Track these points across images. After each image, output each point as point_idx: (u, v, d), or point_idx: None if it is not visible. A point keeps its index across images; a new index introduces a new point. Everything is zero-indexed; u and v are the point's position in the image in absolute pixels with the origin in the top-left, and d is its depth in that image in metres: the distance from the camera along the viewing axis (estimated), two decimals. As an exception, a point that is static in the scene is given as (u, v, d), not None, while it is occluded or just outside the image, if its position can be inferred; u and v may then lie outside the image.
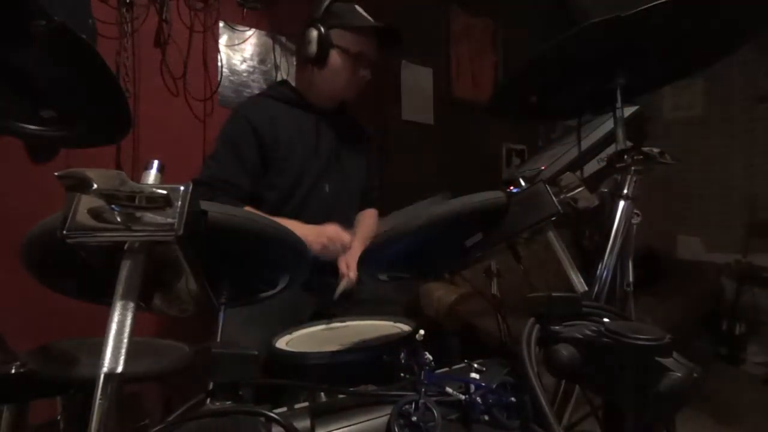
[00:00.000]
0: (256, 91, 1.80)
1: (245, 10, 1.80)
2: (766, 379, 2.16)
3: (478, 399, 0.58)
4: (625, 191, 0.74)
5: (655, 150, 0.72)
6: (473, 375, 0.63)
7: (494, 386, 0.59)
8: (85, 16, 1.39)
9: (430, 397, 0.57)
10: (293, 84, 1.35)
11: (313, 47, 1.17)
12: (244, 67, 1.82)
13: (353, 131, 1.40)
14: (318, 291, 1.23)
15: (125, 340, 0.38)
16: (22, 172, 1.36)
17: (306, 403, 0.58)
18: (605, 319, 0.54)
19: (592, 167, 0.98)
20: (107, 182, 0.37)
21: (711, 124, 2.89)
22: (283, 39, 1.89)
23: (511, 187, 0.76)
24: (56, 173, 0.36)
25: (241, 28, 1.80)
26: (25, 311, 1.23)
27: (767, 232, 2.55)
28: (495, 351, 0.72)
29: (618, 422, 0.61)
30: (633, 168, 0.74)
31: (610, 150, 0.80)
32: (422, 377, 0.59)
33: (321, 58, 1.19)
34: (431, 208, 0.66)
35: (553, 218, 0.69)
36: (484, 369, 0.65)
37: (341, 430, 0.54)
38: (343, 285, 1.15)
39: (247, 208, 1.14)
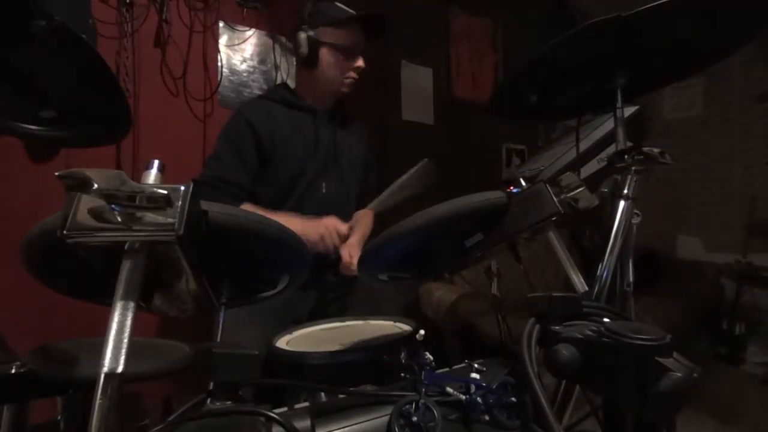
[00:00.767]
0: (257, 91, 1.81)
1: (245, 10, 1.80)
2: (766, 379, 2.16)
3: (479, 399, 0.58)
4: (625, 191, 0.74)
5: (655, 150, 0.72)
6: (473, 375, 0.63)
7: (494, 386, 0.59)
8: (85, 16, 1.39)
9: (431, 397, 0.57)
10: (292, 86, 1.37)
11: (304, 49, 1.22)
12: (244, 67, 1.82)
13: (351, 131, 1.41)
14: (317, 290, 1.24)
15: (125, 340, 0.37)
16: (22, 172, 1.36)
17: (306, 403, 0.58)
18: (605, 319, 0.54)
19: (592, 167, 0.98)
20: (107, 182, 0.37)
21: (711, 124, 2.89)
22: (283, 39, 1.89)
23: (511, 187, 0.76)
24: (56, 173, 0.36)
25: (241, 28, 1.80)
26: (25, 311, 1.23)
27: (767, 232, 2.55)
28: (495, 351, 0.72)
29: (618, 422, 0.61)
30: (633, 168, 0.74)
31: (610, 150, 0.80)
32: (422, 377, 0.59)
33: (312, 58, 1.22)
34: (431, 208, 0.66)
35: (554, 218, 0.69)
36: (485, 369, 0.65)
37: (341, 430, 0.54)
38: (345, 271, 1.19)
39: (246, 205, 1.14)
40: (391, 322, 0.99)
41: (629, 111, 0.88)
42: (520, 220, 0.71)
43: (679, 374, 0.43)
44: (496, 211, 0.72)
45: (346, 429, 0.54)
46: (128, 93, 1.51)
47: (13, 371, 0.62)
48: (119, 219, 0.38)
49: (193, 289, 0.50)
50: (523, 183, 0.76)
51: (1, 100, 0.62)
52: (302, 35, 1.21)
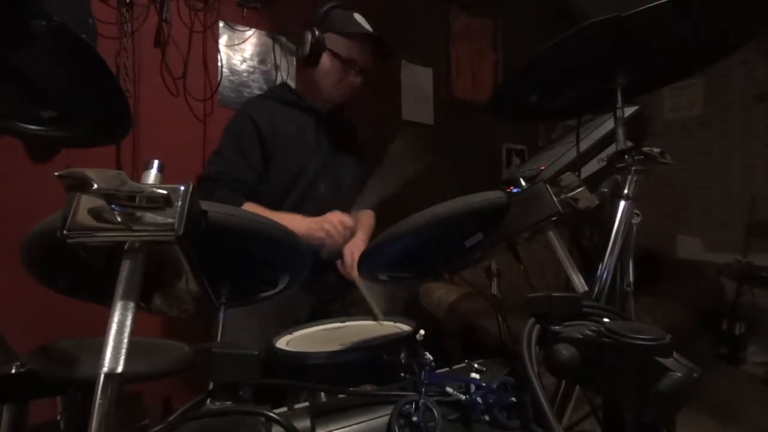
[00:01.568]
0: (257, 91, 1.81)
1: (245, 10, 1.80)
2: (766, 379, 2.16)
3: (479, 399, 0.58)
4: (625, 191, 0.74)
5: (656, 150, 0.72)
6: (473, 375, 0.63)
7: (494, 386, 0.59)
8: (85, 16, 1.39)
9: (431, 397, 0.57)
10: (292, 86, 1.39)
11: (306, 48, 1.23)
12: (244, 67, 1.82)
13: (350, 133, 1.44)
14: (316, 291, 1.24)
15: (125, 340, 0.37)
16: (22, 172, 1.36)
17: (306, 403, 0.58)
18: (605, 319, 0.54)
19: (592, 167, 0.98)
20: (107, 182, 0.37)
21: (711, 124, 2.89)
22: (283, 39, 1.89)
23: (511, 187, 0.76)
24: (56, 173, 0.36)
25: (241, 28, 1.80)
26: (25, 311, 1.23)
27: (767, 232, 2.55)
28: (495, 351, 0.72)
29: (618, 422, 0.61)
30: (633, 168, 0.74)
31: (610, 150, 0.80)
32: (422, 377, 0.59)
33: (312, 59, 1.24)
34: (431, 208, 0.66)
35: (554, 218, 0.69)
36: (485, 369, 0.65)
37: (341, 430, 0.54)
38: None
39: (248, 204, 1.14)
40: (391, 322, 0.99)
41: (629, 111, 0.88)
42: (520, 220, 0.71)
43: (679, 374, 0.42)
44: (496, 211, 0.72)
45: (346, 429, 0.54)
46: (128, 93, 1.51)
47: (13, 371, 0.62)
48: (119, 219, 0.38)
49: (193, 289, 0.50)
50: (523, 183, 0.76)
51: (1, 100, 0.62)
52: (308, 34, 1.23)
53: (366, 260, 0.80)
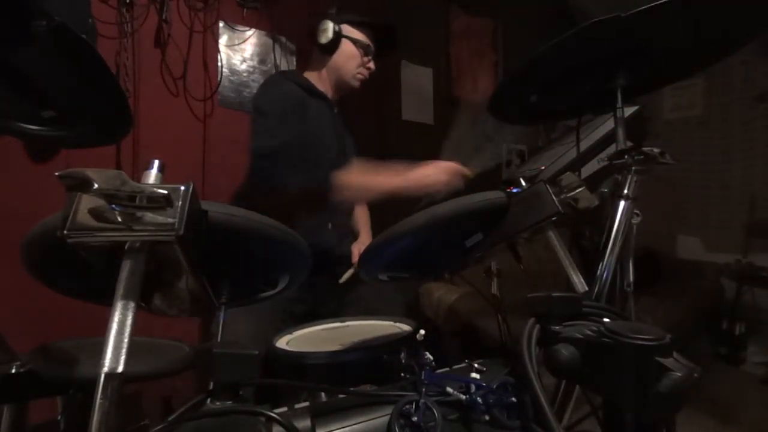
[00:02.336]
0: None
1: (245, 10, 1.80)
2: (766, 379, 2.16)
3: (479, 399, 0.58)
4: (625, 191, 0.74)
5: (656, 150, 0.72)
6: (473, 375, 0.63)
7: (495, 386, 0.59)
8: (85, 16, 1.39)
9: (431, 397, 0.57)
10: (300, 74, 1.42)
11: (329, 34, 1.29)
12: (244, 67, 1.82)
13: (350, 123, 1.48)
14: (316, 287, 1.24)
15: (126, 340, 0.38)
16: (22, 172, 1.36)
17: (306, 403, 0.58)
18: (605, 319, 0.54)
19: (592, 167, 0.98)
20: (108, 182, 0.37)
21: (711, 124, 2.89)
22: (283, 39, 1.89)
23: (511, 187, 0.76)
24: (57, 173, 0.36)
25: (241, 28, 1.80)
26: (25, 311, 1.23)
27: (767, 232, 2.55)
28: (495, 351, 0.72)
29: (618, 422, 0.61)
30: (633, 168, 0.74)
31: (610, 150, 0.80)
32: (423, 377, 0.59)
33: (332, 46, 1.31)
34: (431, 208, 0.66)
35: (554, 218, 0.69)
36: (485, 369, 0.65)
37: (341, 430, 0.54)
38: (350, 272, 1.22)
39: (355, 168, 1.15)
40: (391, 322, 0.99)
41: (629, 111, 0.88)
42: (520, 220, 0.71)
43: (679, 374, 0.42)
44: (496, 211, 0.72)
45: (346, 429, 0.54)
46: (128, 93, 1.51)
47: (13, 371, 0.62)
48: (119, 219, 0.38)
49: (193, 289, 0.50)
50: (523, 183, 0.76)
51: (1, 100, 0.62)
52: (328, 22, 1.29)
53: (366, 260, 0.80)
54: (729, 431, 1.69)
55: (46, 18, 0.48)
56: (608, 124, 0.99)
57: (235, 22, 1.79)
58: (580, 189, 0.71)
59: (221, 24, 1.75)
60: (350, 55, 1.33)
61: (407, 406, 0.55)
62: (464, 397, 0.58)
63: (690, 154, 2.92)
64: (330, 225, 1.30)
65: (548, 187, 0.70)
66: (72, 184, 0.37)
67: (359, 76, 1.37)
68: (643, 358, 0.44)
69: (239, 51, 1.81)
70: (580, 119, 0.94)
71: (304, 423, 0.52)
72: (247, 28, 1.81)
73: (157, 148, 1.56)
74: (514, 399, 0.59)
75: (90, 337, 0.87)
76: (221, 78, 1.74)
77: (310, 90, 1.33)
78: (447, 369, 0.67)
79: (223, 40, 1.76)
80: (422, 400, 0.55)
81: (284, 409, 0.56)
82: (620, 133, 0.78)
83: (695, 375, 0.43)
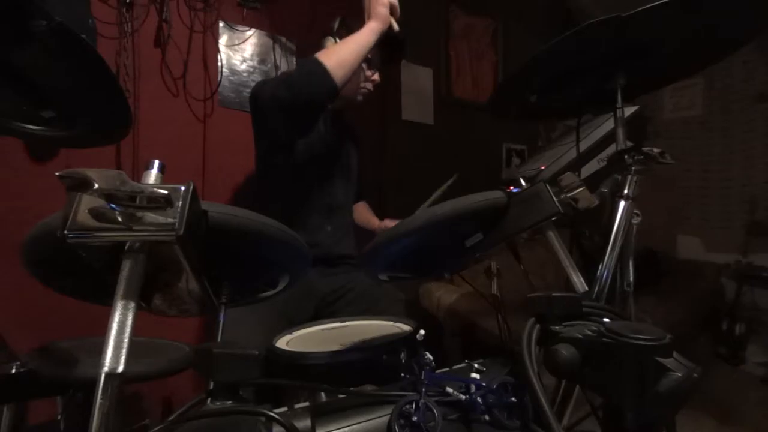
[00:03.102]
0: (257, 92, 1.81)
1: (245, 10, 1.80)
2: (766, 379, 2.16)
3: (479, 399, 0.58)
4: (625, 191, 0.74)
5: (656, 150, 0.72)
6: (474, 375, 0.63)
7: (495, 386, 0.59)
8: (85, 16, 1.39)
9: (431, 397, 0.57)
10: None
11: None
12: (244, 67, 1.82)
13: (352, 130, 1.49)
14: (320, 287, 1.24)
15: (126, 340, 0.38)
16: (22, 172, 1.36)
17: (306, 403, 0.58)
18: (605, 319, 0.54)
19: (592, 167, 0.98)
20: (108, 182, 0.37)
21: (711, 124, 2.89)
22: (283, 39, 1.89)
23: (511, 187, 0.76)
24: (57, 173, 0.36)
25: (241, 28, 1.80)
26: (25, 311, 1.23)
27: (767, 232, 2.55)
28: (495, 351, 0.72)
29: (618, 422, 0.61)
30: (633, 168, 0.74)
31: (610, 150, 0.80)
32: (422, 377, 0.59)
33: None
34: (431, 208, 0.66)
35: (554, 218, 0.69)
36: (485, 369, 0.65)
37: (341, 430, 0.54)
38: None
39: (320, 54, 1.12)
40: (391, 322, 0.99)
41: (629, 111, 0.88)
42: (520, 220, 0.71)
43: (679, 374, 0.43)
44: (496, 211, 0.72)
45: (346, 429, 0.54)
46: (128, 93, 1.51)
47: (13, 371, 0.62)
48: (119, 219, 0.38)
49: (194, 289, 0.50)
50: (523, 183, 0.76)
51: (1, 100, 0.62)
52: (331, 39, 1.29)
53: (366, 260, 0.80)
54: (729, 431, 1.69)
55: (46, 18, 0.48)
56: (608, 124, 0.99)
57: (235, 22, 1.79)
58: (580, 189, 0.71)
59: (221, 24, 1.75)
60: (356, 73, 1.29)
61: (407, 406, 0.55)
62: (464, 397, 0.58)
63: (690, 154, 2.92)
64: (329, 227, 1.30)
65: (548, 187, 0.70)
66: (72, 184, 0.37)
67: (363, 90, 1.35)
68: (643, 358, 0.44)
69: (239, 51, 1.81)
70: (580, 119, 0.94)
71: (304, 423, 0.52)
72: (247, 28, 1.81)
73: (157, 148, 1.56)
74: (514, 399, 0.59)
75: (90, 337, 0.87)
76: (221, 78, 1.74)
77: None
78: (447, 369, 0.67)
79: (223, 40, 1.76)
80: (422, 400, 0.55)
81: (284, 409, 0.56)
82: (620, 133, 0.78)
83: (695, 375, 0.43)
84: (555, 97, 0.85)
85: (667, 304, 2.16)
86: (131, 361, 0.37)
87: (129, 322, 0.38)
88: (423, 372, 0.60)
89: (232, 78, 1.79)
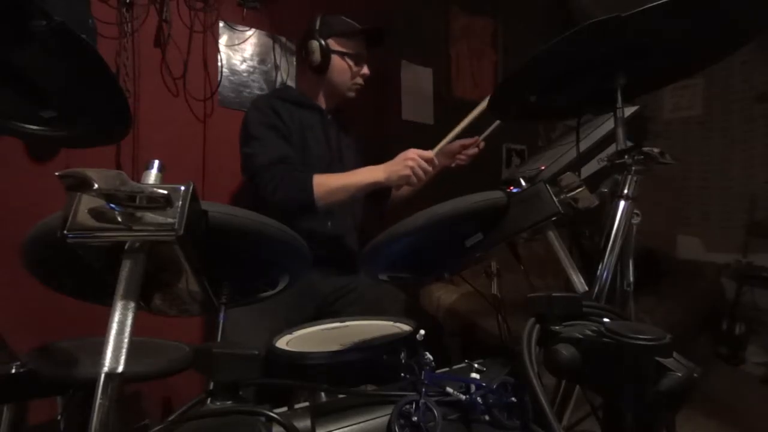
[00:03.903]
0: (256, 91, 1.81)
1: (245, 10, 1.80)
2: (766, 379, 2.16)
3: (479, 399, 0.58)
4: (625, 191, 0.74)
5: (656, 150, 0.72)
6: (474, 375, 0.63)
7: (495, 386, 0.59)
8: (85, 15, 1.39)
9: (431, 397, 0.57)
10: (294, 87, 1.42)
11: (317, 56, 1.30)
12: (244, 67, 1.82)
13: (351, 131, 1.49)
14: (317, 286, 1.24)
15: (126, 340, 0.38)
16: (22, 172, 1.36)
17: (306, 403, 0.58)
18: (605, 319, 0.54)
19: (592, 167, 0.98)
20: (108, 182, 0.37)
21: (711, 124, 2.89)
22: (283, 39, 1.89)
23: (511, 187, 0.76)
24: (57, 173, 0.36)
25: (241, 28, 1.80)
26: (25, 311, 1.23)
27: (767, 232, 2.55)
28: (495, 351, 0.72)
29: (618, 422, 0.61)
30: (633, 168, 0.74)
31: (610, 150, 0.80)
32: (422, 377, 0.59)
33: (324, 65, 1.31)
34: (431, 208, 0.66)
35: (554, 218, 0.69)
36: (485, 369, 0.65)
37: (341, 430, 0.54)
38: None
39: (317, 176, 1.17)
40: (391, 322, 0.99)
41: (629, 111, 0.88)
42: (520, 220, 0.71)
43: (679, 374, 0.43)
44: (496, 211, 0.72)
45: (346, 429, 0.54)
46: (128, 93, 1.51)
47: (13, 371, 0.62)
48: (119, 219, 0.38)
49: (194, 289, 0.50)
50: (523, 183, 0.76)
51: (1, 100, 0.62)
52: (314, 43, 1.30)
53: (366, 260, 0.80)
54: (729, 431, 1.69)
55: (46, 18, 0.48)
56: (608, 124, 0.99)
57: (235, 22, 1.79)
58: (580, 189, 0.71)
59: (221, 24, 1.75)
60: (342, 70, 1.34)
61: (407, 406, 0.55)
62: (464, 397, 0.58)
63: (690, 154, 2.92)
64: (329, 224, 1.30)
65: (548, 187, 0.70)
66: (72, 184, 0.37)
67: (354, 86, 1.38)
68: (643, 358, 0.44)
69: (239, 51, 1.81)
70: (580, 119, 0.94)
71: (304, 423, 0.52)
72: (247, 28, 1.81)
73: (157, 148, 1.56)
74: (514, 399, 0.59)
75: (90, 337, 0.87)
76: (221, 78, 1.74)
77: (301, 103, 1.35)
78: (447, 369, 0.67)
79: (223, 40, 1.76)
80: (422, 400, 0.55)
81: (284, 409, 0.56)
82: (620, 133, 0.78)
83: (695, 375, 0.43)
84: (555, 97, 0.85)
85: (667, 304, 2.17)
86: (131, 361, 0.37)
87: (129, 322, 0.38)
88: (423, 372, 0.60)
89: (232, 78, 1.79)
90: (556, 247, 0.72)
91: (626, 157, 0.74)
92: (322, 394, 0.67)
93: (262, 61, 1.86)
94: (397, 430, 0.53)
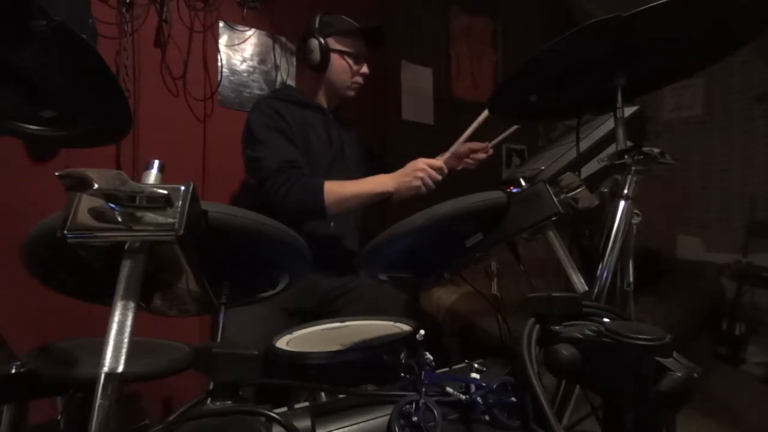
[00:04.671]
0: (257, 92, 1.81)
1: (245, 10, 1.80)
2: (766, 379, 2.16)
3: (479, 399, 0.58)
4: (625, 191, 0.74)
5: (655, 150, 0.72)
6: (473, 375, 0.63)
7: (495, 386, 0.59)
8: (85, 16, 1.39)
9: (431, 397, 0.57)
10: (294, 87, 1.42)
11: (316, 55, 1.30)
12: (244, 67, 1.82)
13: (353, 130, 1.49)
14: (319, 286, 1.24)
15: (126, 340, 0.38)
16: (22, 172, 1.36)
17: (306, 403, 0.58)
18: (605, 319, 0.54)
19: (592, 167, 0.98)
20: (108, 182, 0.37)
21: (711, 124, 2.89)
22: (283, 39, 1.89)
23: (511, 187, 0.76)
24: (57, 173, 0.36)
25: (241, 28, 1.80)
26: (25, 311, 1.23)
27: (767, 232, 2.55)
28: (495, 351, 0.72)
29: (618, 422, 0.61)
30: (633, 168, 0.74)
31: (610, 150, 0.80)
32: (422, 377, 0.59)
33: (323, 64, 1.31)
34: (431, 208, 0.66)
35: (554, 218, 0.69)
36: (485, 369, 0.65)
37: (341, 430, 0.54)
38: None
39: (327, 183, 1.17)
40: (391, 322, 0.99)
41: (629, 111, 0.88)
42: (520, 220, 0.71)
43: (679, 374, 0.42)
44: (496, 211, 0.72)
45: (346, 429, 0.54)
46: (128, 93, 1.51)
47: (13, 371, 0.62)
48: (119, 219, 0.38)
49: (193, 289, 0.50)
50: (523, 183, 0.76)
51: (1, 100, 0.62)
52: (314, 42, 1.30)
53: (366, 260, 0.80)
54: (729, 431, 1.69)
55: (46, 18, 0.48)
56: (608, 124, 0.99)
57: (235, 22, 1.79)
58: (580, 189, 0.71)
59: (221, 24, 1.75)
60: (342, 69, 1.34)
61: (407, 406, 0.55)
62: (464, 397, 0.58)
63: (690, 154, 2.92)
64: (332, 223, 1.30)
65: (548, 187, 0.70)
66: (72, 184, 0.37)
67: (354, 85, 1.38)
68: (643, 358, 0.44)
69: (239, 51, 1.80)
70: (580, 119, 0.94)
71: (304, 423, 0.51)
72: (247, 28, 1.81)
73: (157, 148, 1.56)
74: (514, 399, 0.59)
75: (90, 337, 0.87)
76: (221, 78, 1.74)
77: (302, 102, 1.35)
78: (447, 369, 0.67)
79: (223, 40, 1.76)
80: (422, 400, 0.55)
81: (284, 409, 0.56)
82: (620, 133, 0.78)
83: (695, 375, 0.43)
84: (555, 97, 0.85)
85: (667, 304, 2.17)
86: (131, 361, 0.37)
87: (129, 322, 0.38)
88: (423, 372, 0.60)
89: (232, 78, 1.79)
90: (556, 247, 0.72)
91: (626, 157, 0.74)
92: (322, 394, 0.67)
93: (262, 61, 1.86)
94: (397, 430, 0.53)
